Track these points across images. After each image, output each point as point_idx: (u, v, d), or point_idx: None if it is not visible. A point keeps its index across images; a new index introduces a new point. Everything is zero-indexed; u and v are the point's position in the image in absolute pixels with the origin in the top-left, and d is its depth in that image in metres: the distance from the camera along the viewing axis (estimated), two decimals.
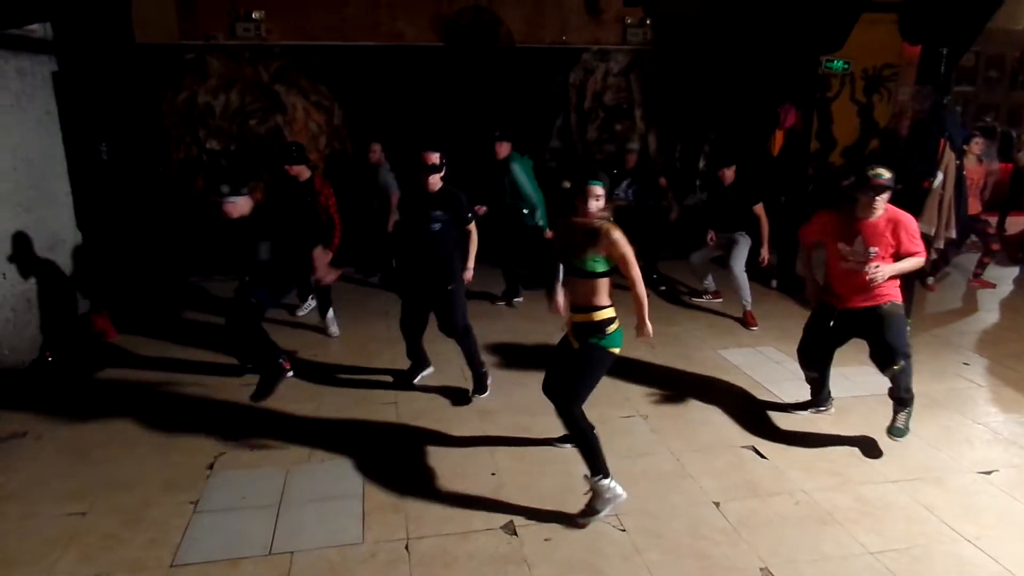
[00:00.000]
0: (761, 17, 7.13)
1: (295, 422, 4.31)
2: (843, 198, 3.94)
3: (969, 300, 6.88)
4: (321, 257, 4.53)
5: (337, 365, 5.19)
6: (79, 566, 3.04)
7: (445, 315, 4.46)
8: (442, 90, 7.58)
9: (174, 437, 4.12)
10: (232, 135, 7.31)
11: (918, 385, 4.09)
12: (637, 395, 4.65)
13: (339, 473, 3.74)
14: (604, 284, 3.29)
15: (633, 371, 4.98)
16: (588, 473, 3.29)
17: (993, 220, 7.17)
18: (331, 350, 5.50)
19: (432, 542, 3.18)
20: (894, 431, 3.90)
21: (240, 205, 4.16)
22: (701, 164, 8.52)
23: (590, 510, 3.29)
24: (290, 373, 4.57)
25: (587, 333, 3.29)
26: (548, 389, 3.62)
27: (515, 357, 5.31)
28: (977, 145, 6.78)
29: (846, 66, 8.99)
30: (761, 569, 3.00)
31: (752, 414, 4.41)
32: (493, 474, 3.72)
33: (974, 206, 6.88)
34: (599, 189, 3.22)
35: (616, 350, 3.31)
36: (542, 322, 5.80)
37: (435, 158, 4.29)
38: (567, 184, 7.08)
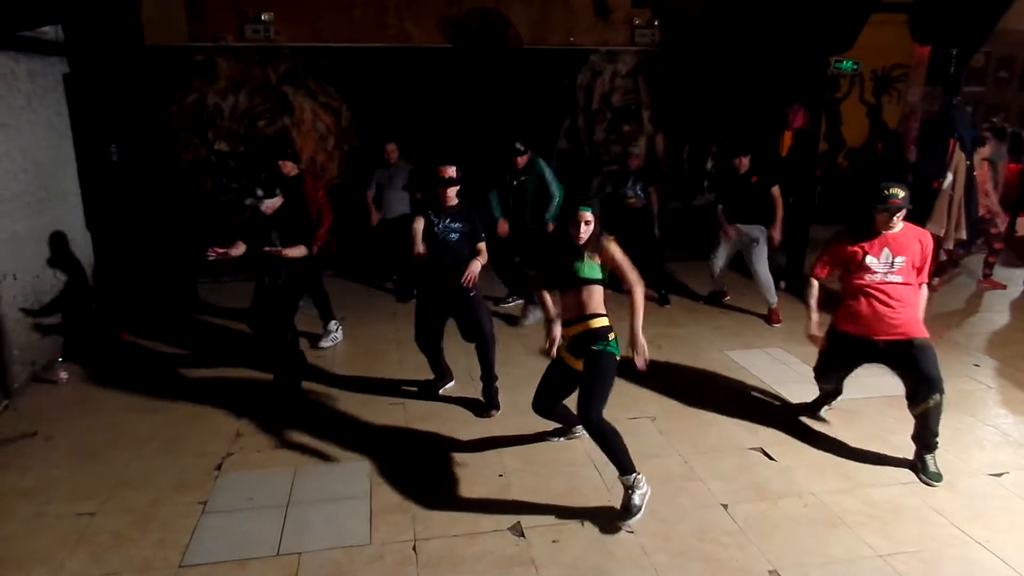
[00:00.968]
0: (770, 17, 7.11)
1: (303, 423, 4.32)
2: (857, 211, 3.90)
3: (979, 301, 6.84)
4: (296, 250, 4.48)
5: (344, 366, 5.21)
6: (88, 566, 3.05)
7: (470, 321, 4.39)
8: (450, 91, 7.59)
9: (183, 437, 4.14)
10: (240, 136, 7.34)
11: None
12: (644, 396, 4.64)
13: (346, 474, 3.75)
14: (599, 293, 3.31)
15: (640, 373, 4.95)
16: (619, 473, 3.28)
17: (999, 220, 7.13)
18: (338, 351, 5.51)
19: (439, 543, 3.18)
20: (931, 476, 3.65)
21: (273, 204, 4.42)
22: (709, 165, 8.50)
23: (627, 511, 3.24)
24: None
25: (588, 341, 3.30)
26: (541, 408, 3.70)
27: (523, 358, 5.31)
28: (987, 148, 6.75)
29: (855, 67, 8.95)
30: (770, 572, 2.99)
31: (760, 416, 4.39)
32: (501, 475, 3.72)
33: (981, 207, 6.84)
34: (589, 215, 3.23)
35: (618, 356, 3.32)
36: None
37: (451, 171, 4.28)
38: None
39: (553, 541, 3.19)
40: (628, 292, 3.33)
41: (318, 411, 4.48)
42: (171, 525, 3.32)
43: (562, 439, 4.05)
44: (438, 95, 7.58)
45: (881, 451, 3.96)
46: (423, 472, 3.78)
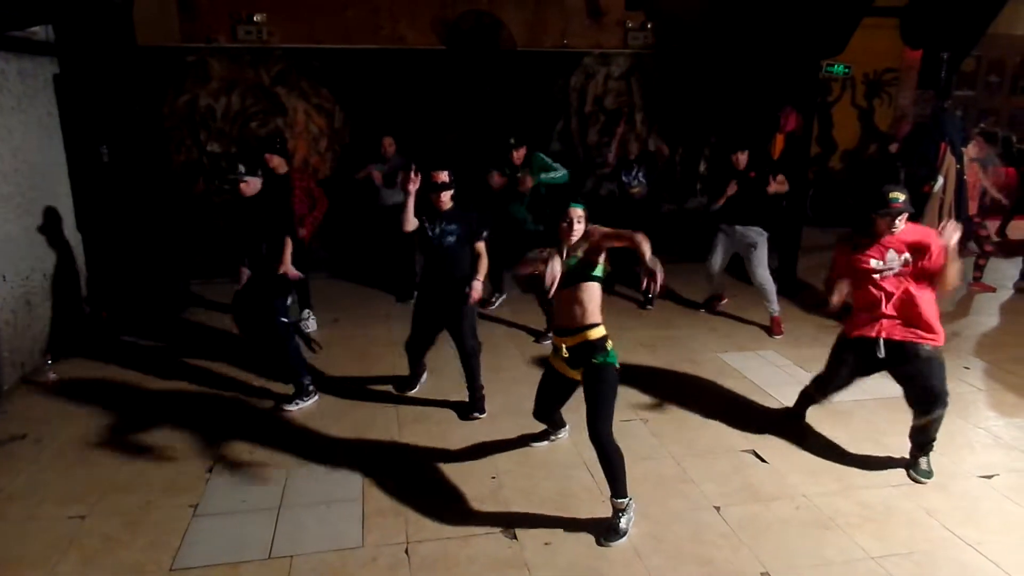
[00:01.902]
0: (762, 21, 7.14)
1: (295, 425, 4.31)
2: (855, 218, 3.86)
3: (969, 304, 6.88)
4: (287, 248, 4.48)
5: (337, 367, 5.19)
6: (79, 569, 3.03)
7: (456, 331, 4.39)
8: (443, 93, 7.59)
9: (174, 440, 4.12)
10: (233, 137, 7.31)
11: None
12: (638, 399, 4.64)
13: (339, 476, 3.73)
14: (598, 296, 3.21)
15: (634, 375, 4.97)
16: (612, 495, 3.23)
17: (990, 223, 7.17)
18: (331, 353, 5.49)
19: (432, 546, 3.17)
20: (921, 474, 3.73)
21: (253, 184, 4.43)
22: (702, 167, 8.53)
23: (614, 532, 3.20)
24: (315, 397, 4.62)
25: (587, 354, 3.21)
26: (542, 416, 3.74)
27: (517, 361, 5.31)
28: (973, 148, 6.78)
29: (847, 70, 8.98)
30: (762, 574, 2.99)
31: (753, 418, 4.40)
32: (493, 478, 3.72)
33: (971, 208, 6.88)
34: (580, 211, 3.18)
35: (617, 365, 3.28)
36: (542, 323, 5.80)
37: (444, 176, 4.28)
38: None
39: (546, 543, 3.19)
40: (632, 247, 2.94)
41: (311, 413, 4.47)
42: (162, 528, 3.29)
43: (545, 443, 4.05)
44: (431, 97, 7.57)
45: (873, 453, 3.97)
46: (416, 474, 3.77)
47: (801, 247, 7.10)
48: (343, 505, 3.48)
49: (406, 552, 3.13)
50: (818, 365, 5.18)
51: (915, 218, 3.99)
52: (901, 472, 3.77)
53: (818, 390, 4.18)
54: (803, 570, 3.02)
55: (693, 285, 7.04)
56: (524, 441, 4.06)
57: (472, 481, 3.68)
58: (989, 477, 3.74)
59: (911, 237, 3.64)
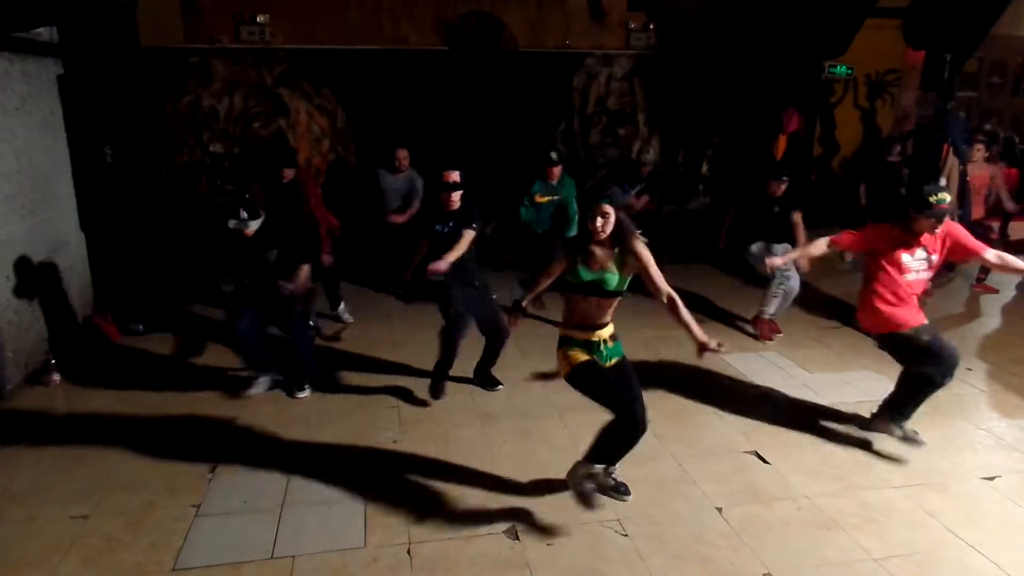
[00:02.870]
0: (765, 22, 7.14)
1: (297, 425, 4.31)
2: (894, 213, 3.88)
3: (972, 305, 6.87)
4: (303, 272, 4.59)
5: (341, 368, 5.19)
6: (81, 569, 3.04)
7: (491, 321, 4.56)
8: (445, 94, 7.59)
9: (176, 440, 4.13)
10: (236, 138, 7.33)
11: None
12: None
13: (341, 477, 3.73)
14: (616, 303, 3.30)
15: (636, 375, 4.96)
16: (590, 458, 3.34)
17: (996, 225, 7.16)
18: (334, 353, 5.49)
19: (434, 546, 3.17)
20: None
21: (254, 226, 4.47)
22: (704, 169, 8.52)
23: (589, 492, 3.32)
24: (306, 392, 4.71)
25: (614, 343, 3.36)
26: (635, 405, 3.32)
27: (519, 361, 5.30)
28: (978, 152, 6.78)
29: (849, 71, 8.99)
30: (764, 574, 2.99)
31: (755, 419, 4.40)
32: (495, 478, 3.72)
33: (976, 211, 6.87)
34: (608, 207, 3.12)
35: None
36: (543, 326, 5.80)
37: (456, 176, 4.31)
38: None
39: (548, 544, 3.19)
40: (666, 304, 3.22)
41: (313, 413, 4.47)
42: (164, 528, 3.30)
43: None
44: (434, 98, 7.58)
45: (875, 454, 3.96)
46: (417, 475, 3.77)
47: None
48: (345, 505, 3.48)
49: (408, 553, 3.13)
50: (819, 366, 5.22)
51: None
52: (902, 473, 3.77)
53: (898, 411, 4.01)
54: (805, 571, 3.02)
55: (695, 285, 7.04)
56: (525, 441, 4.06)
57: (474, 481, 3.68)
58: (991, 478, 3.73)
59: (942, 234, 3.71)
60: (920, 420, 4.03)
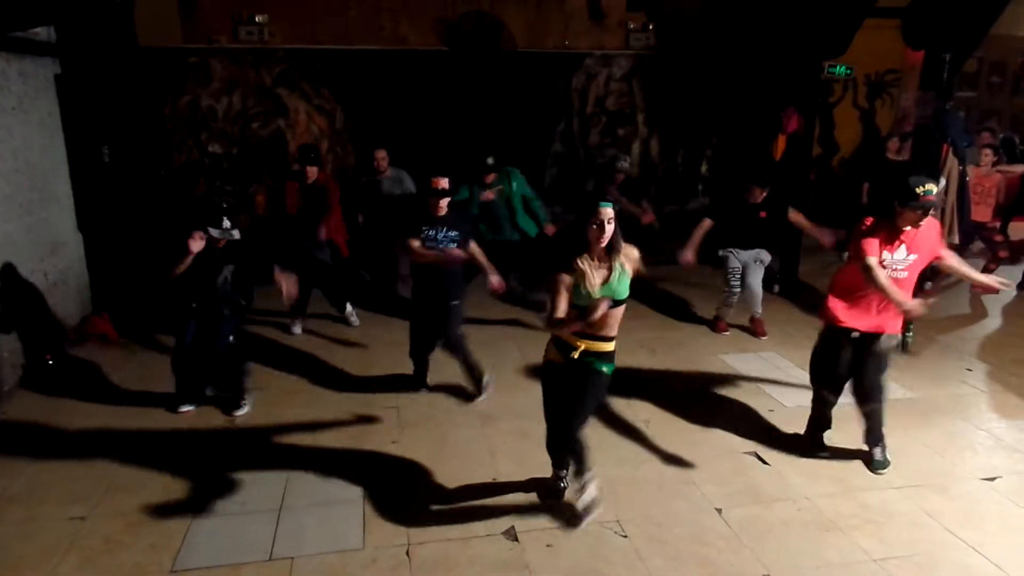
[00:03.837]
0: (764, 22, 7.13)
1: (296, 426, 4.30)
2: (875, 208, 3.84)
3: (972, 306, 6.87)
4: (281, 276, 4.44)
5: (338, 369, 5.19)
6: (79, 570, 3.03)
7: (441, 325, 4.49)
8: (445, 94, 7.58)
9: (175, 440, 4.12)
10: (234, 138, 7.31)
11: (921, 390, 4.10)
12: (639, 400, 4.63)
13: (340, 478, 3.73)
14: (621, 312, 3.14)
15: (635, 377, 4.97)
16: (579, 473, 3.31)
17: (996, 225, 7.16)
18: (333, 354, 5.48)
19: (433, 548, 3.16)
20: (876, 464, 3.82)
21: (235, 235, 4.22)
22: (703, 169, 8.52)
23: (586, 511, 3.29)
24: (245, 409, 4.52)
25: (596, 359, 3.15)
26: (562, 439, 3.37)
27: (519, 363, 5.30)
28: (986, 156, 6.79)
29: (849, 71, 8.96)
30: None
31: (754, 420, 4.40)
32: (494, 479, 3.71)
33: (984, 213, 6.87)
34: (610, 211, 2.96)
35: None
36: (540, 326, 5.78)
37: (445, 183, 4.27)
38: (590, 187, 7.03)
39: (547, 545, 3.18)
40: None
41: (311, 414, 4.46)
42: (163, 529, 3.29)
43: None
44: (433, 98, 7.57)
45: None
46: (416, 476, 3.76)
47: (802, 248, 7.08)
48: (344, 507, 3.47)
49: (407, 554, 3.13)
50: None
51: None
52: (902, 474, 3.77)
53: (821, 385, 4.05)
54: (804, 571, 3.02)
55: (694, 286, 7.05)
56: (524, 441, 4.06)
57: (473, 482, 3.67)
58: (991, 479, 3.73)
59: (926, 233, 3.61)
60: (920, 421, 4.03)
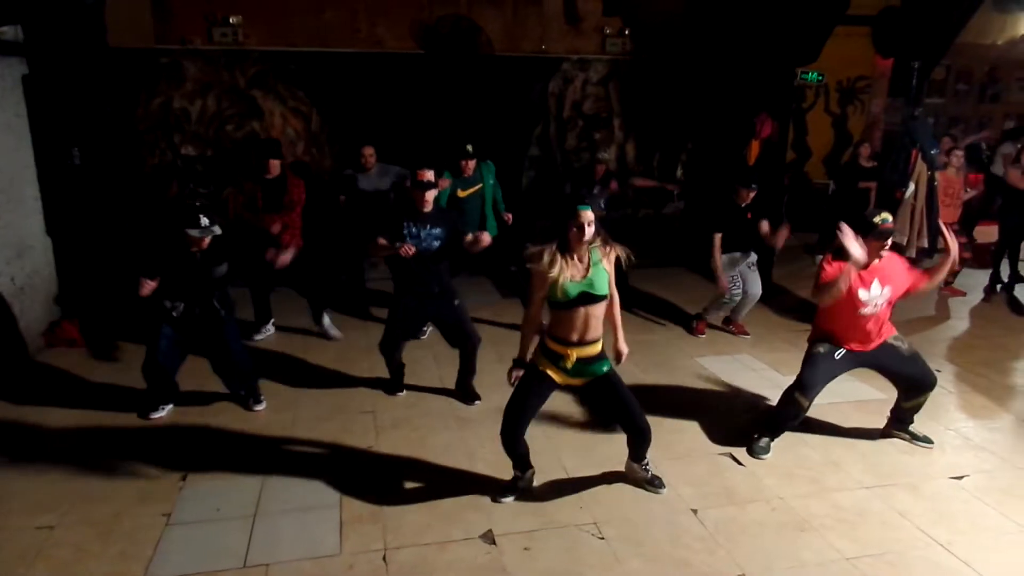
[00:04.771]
0: (737, 28, 7.22)
1: (271, 431, 4.26)
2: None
3: (940, 308, 7.00)
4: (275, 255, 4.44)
5: (315, 373, 5.14)
6: None
7: (458, 329, 4.49)
8: (421, 97, 7.57)
9: (146, 447, 4.05)
10: (208, 140, 7.23)
11: (891, 391, 4.16)
12: None
13: (316, 483, 3.69)
14: (604, 308, 3.26)
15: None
16: (639, 460, 3.61)
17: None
18: (309, 358, 5.44)
19: (410, 552, 3.15)
20: (923, 438, 4.13)
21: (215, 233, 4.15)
22: (679, 173, 8.60)
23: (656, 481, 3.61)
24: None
25: (593, 364, 3.29)
26: (515, 440, 3.39)
27: (495, 365, 5.28)
28: (956, 158, 6.93)
29: (820, 78, 9.14)
30: None
31: (729, 421, 4.43)
32: (472, 483, 3.70)
33: (951, 215, 7.01)
34: (590, 214, 3.05)
35: None
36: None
37: (430, 175, 4.24)
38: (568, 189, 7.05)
39: (525, 548, 3.18)
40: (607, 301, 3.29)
41: (287, 419, 4.42)
42: (134, 537, 3.23)
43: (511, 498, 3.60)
44: (409, 101, 7.55)
45: (846, 455, 4.02)
46: (393, 481, 3.74)
47: (776, 252, 7.17)
48: (320, 512, 3.44)
49: (384, 559, 3.11)
50: (793, 368, 5.25)
51: None
52: (873, 474, 3.82)
53: (802, 393, 4.04)
54: (779, 571, 3.05)
55: (670, 289, 7.10)
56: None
57: (450, 486, 3.66)
58: (959, 478, 3.80)
59: (893, 265, 3.80)
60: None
